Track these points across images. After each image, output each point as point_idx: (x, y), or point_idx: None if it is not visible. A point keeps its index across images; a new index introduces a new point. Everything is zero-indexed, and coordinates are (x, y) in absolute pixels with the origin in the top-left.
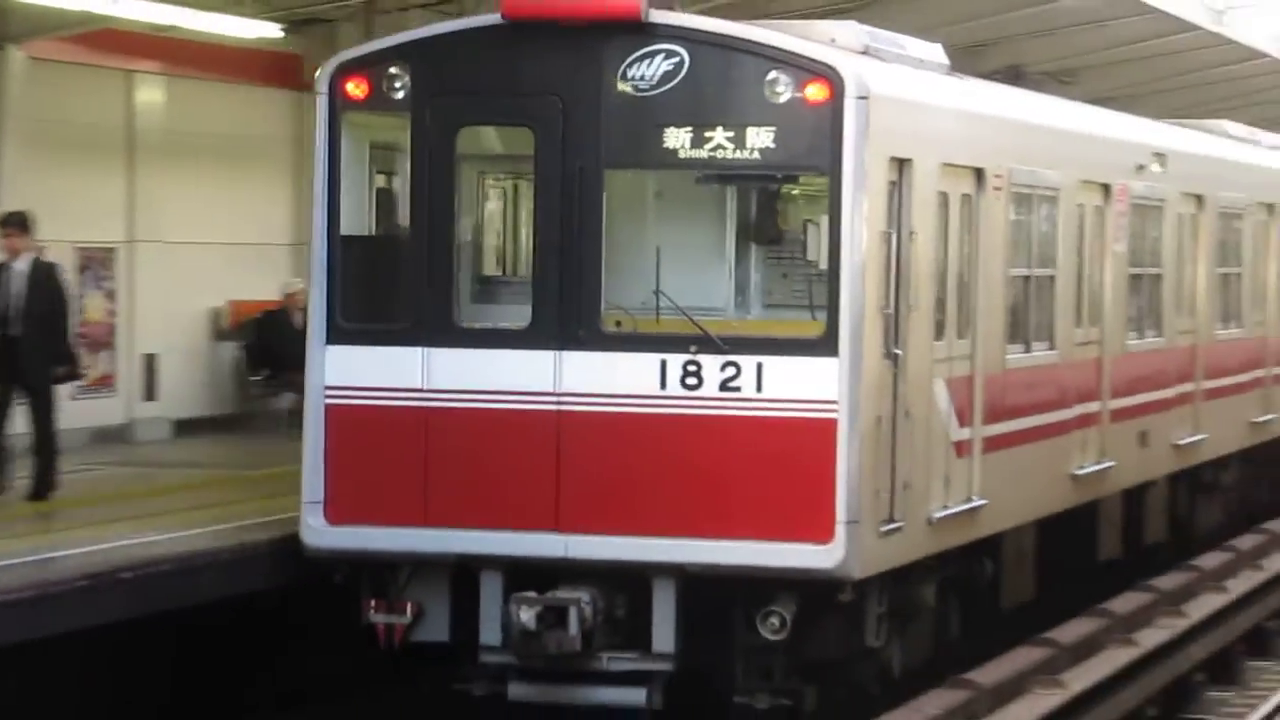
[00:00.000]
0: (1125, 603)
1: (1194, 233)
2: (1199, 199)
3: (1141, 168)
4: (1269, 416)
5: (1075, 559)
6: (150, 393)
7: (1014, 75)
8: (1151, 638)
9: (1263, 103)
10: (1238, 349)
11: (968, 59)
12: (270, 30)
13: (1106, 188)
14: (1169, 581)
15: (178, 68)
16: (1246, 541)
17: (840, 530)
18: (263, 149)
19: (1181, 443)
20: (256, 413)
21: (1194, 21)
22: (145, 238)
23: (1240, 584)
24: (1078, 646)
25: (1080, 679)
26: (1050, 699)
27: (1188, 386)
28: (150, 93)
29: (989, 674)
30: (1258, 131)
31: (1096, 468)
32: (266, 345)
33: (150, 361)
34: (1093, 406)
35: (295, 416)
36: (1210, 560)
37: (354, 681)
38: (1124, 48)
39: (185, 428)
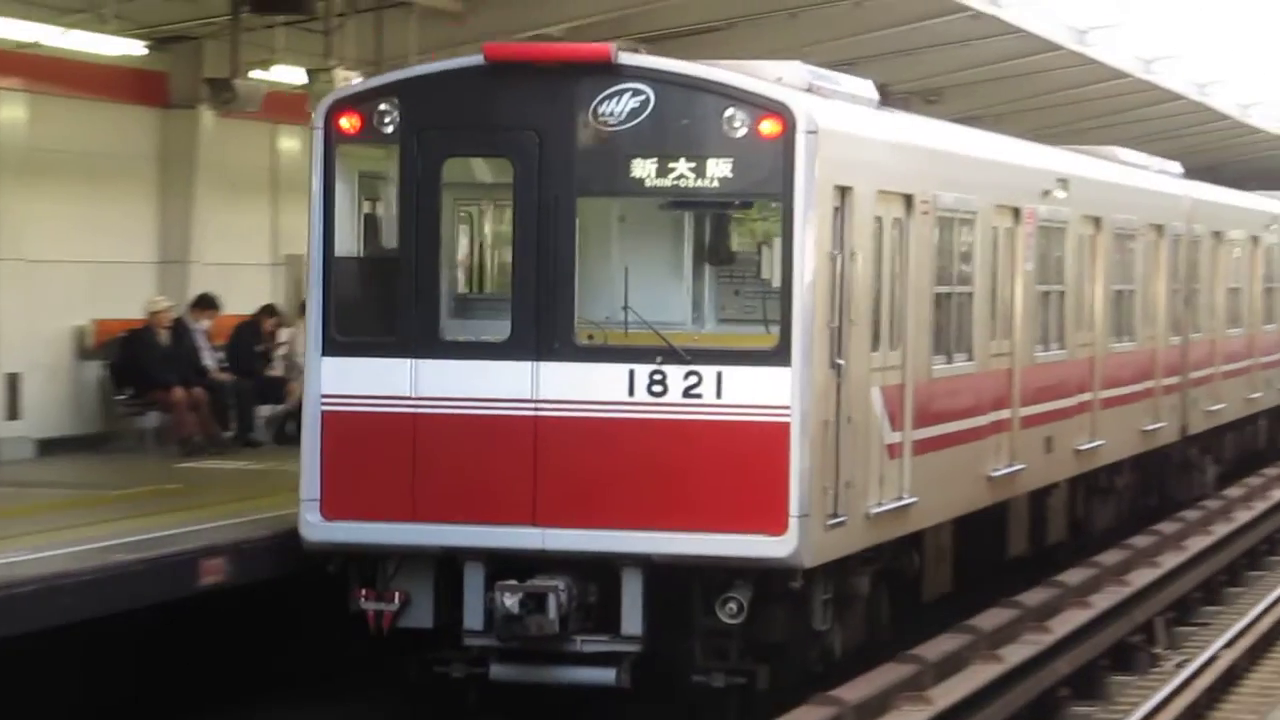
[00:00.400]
0: (991, 619)
1: (1092, 253)
2: (1096, 221)
3: (1047, 193)
4: (1158, 425)
5: (988, 555)
6: (13, 412)
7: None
8: (1017, 653)
9: (1127, 122)
10: (1130, 361)
11: None
12: (135, 48)
13: (1017, 211)
14: (1034, 597)
15: (40, 84)
16: (1109, 558)
17: (793, 523)
18: (127, 167)
19: (1081, 448)
20: (121, 432)
21: (1057, 41)
22: (7, 256)
23: (1104, 599)
24: (943, 663)
25: (946, 695)
26: (916, 715)
27: (1087, 396)
28: (12, 110)
29: (855, 690)
30: (1146, 156)
31: (1008, 470)
32: (131, 364)
33: (13, 381)
34: (1005, 414)
35: (163, 434)
36: (1074, 576)
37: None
38: (988, 67)
39: (49, 447)
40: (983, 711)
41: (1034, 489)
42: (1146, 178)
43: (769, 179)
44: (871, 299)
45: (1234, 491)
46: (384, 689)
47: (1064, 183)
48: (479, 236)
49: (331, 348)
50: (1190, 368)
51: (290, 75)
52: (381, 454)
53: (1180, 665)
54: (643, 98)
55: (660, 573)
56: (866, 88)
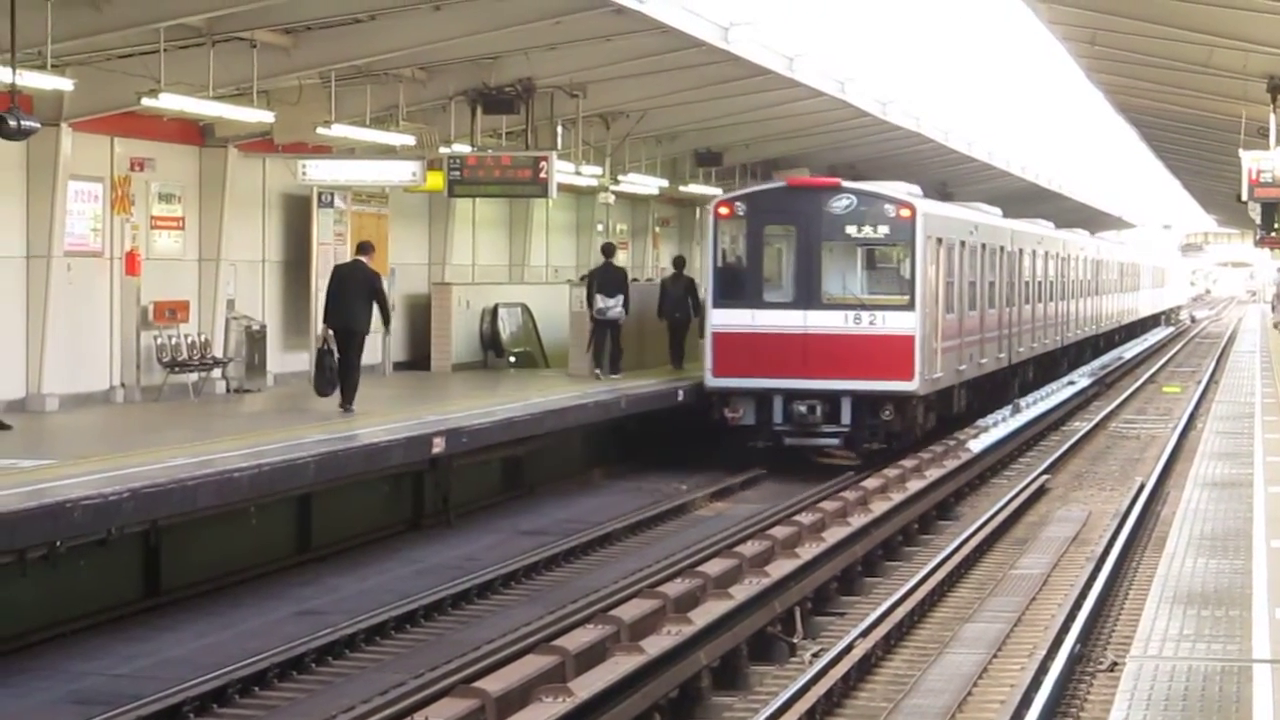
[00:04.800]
0: (632, 609)
1: (985, 261)
2: (999, 248)
3: (979, 230)
4: (1000, 355)
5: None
6: None
7: (527, 88)
8: (658, 644)
9: (775, 118)
10: (992, 320)
11: (476, 71)
12: None
13: (1001, 246)
14: (675, 588)
15: None
16: (750, 548)
17: (915, 377)
18: None
19: (981, 362)
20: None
21: (700, 37)
22: None
23: (744, 590)
24: (584, 654)
25: (587, 686)
26: (557, 707)
27: (977, 337)
28: None
29: (496, 682)
30: (986, 211)
31: (963, 367)
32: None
33: None
34: (971, 339)
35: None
36: (715, 567)
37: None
38: (632, 62)
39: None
40: (624, 702)
41: (967, 381)
42: (999, 220)
43: (905, 234)
44: (943, 285)
45: (890, 472)
46: (739, 453)
47: (988, 229)
48: (777, 258)
49: (717, 304)
50: (1011, 325)
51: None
52: (738, 349)
53: (817, 655)
54: (851, 199)
55: (857, 397)
56: (915, 190)
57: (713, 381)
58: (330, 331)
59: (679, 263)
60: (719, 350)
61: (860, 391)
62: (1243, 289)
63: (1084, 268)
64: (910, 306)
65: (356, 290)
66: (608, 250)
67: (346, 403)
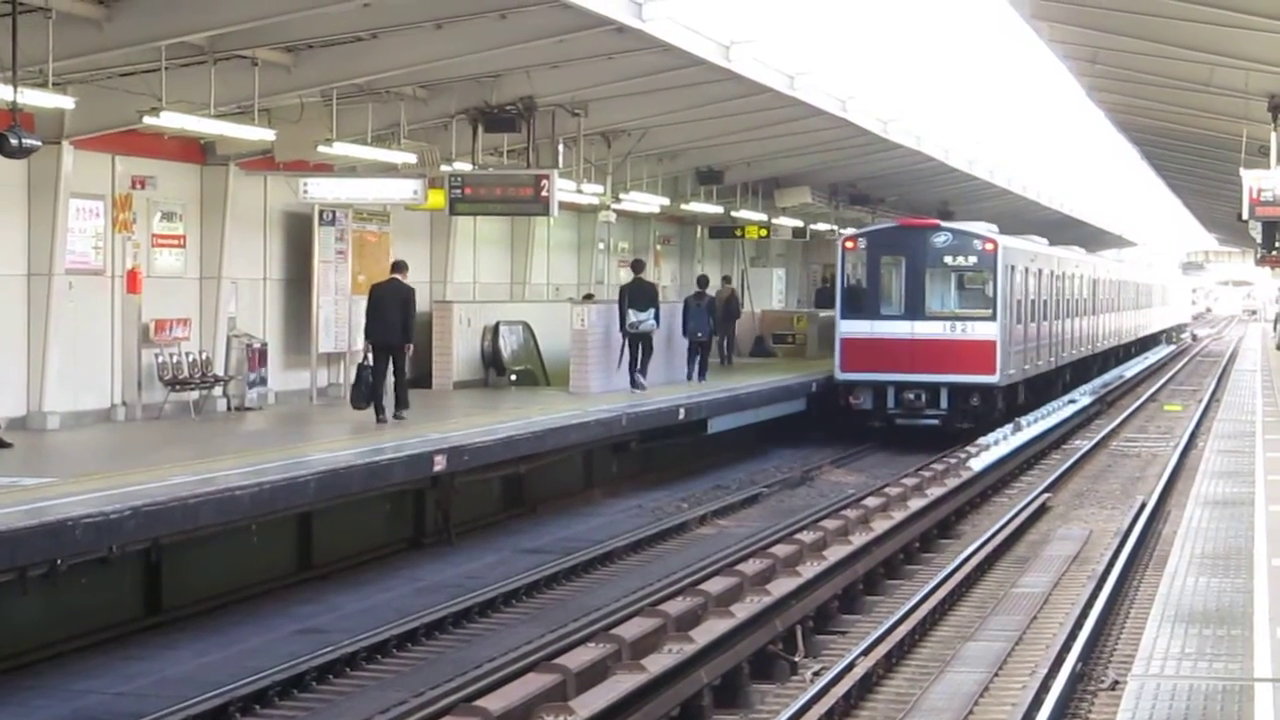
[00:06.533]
0: (633, 627)
1: (1052, 283)
2: (1056, 271)
3: (1048, 259)
4: (1051, 357)
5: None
6: None
7: (529, 107)
8: (659, 663)
9: (777, 135)
10: (1049, 329)
11: (478, 89)
12: None
13: (1050, 270)
14: (676, 606)
15: None
16: (751, 566)
17: (996, 372)
18: None
19: (1038, 363)
20: None
21: (701, 56)
22: None
23: (745, 609)
24: (585, 672)
25: (588, 705)
26: None
27: (1052, 342)
28: None
29: (498, 701)
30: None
31: (1028, 366)
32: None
33: None
34: (1035, 344)
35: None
36: (717, 585)
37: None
38: (633, 80)
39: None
40: None
41: (1028, 378)
42: (1048, 249)
43: (989, 263)
44: (1014, 302)
45: (872, 501)
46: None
47: (1043, 257)
48: (891, 281)
49: (844, 316)
50: (1056, 335)
51: None
52: (860, 351)
53: (818, 673)
54: (948, 235)
55: (952, 388)
56: (993, 228)
57: (841, 375)
58: (370, 347)
59: (702, 282)
60: (846, 352)
61: (954, 383)
62: (1241, 308)
63: (1110, 288)
64: (993, 318)
65: (393, 306)
66: (638, 266)
67: (398, 411)
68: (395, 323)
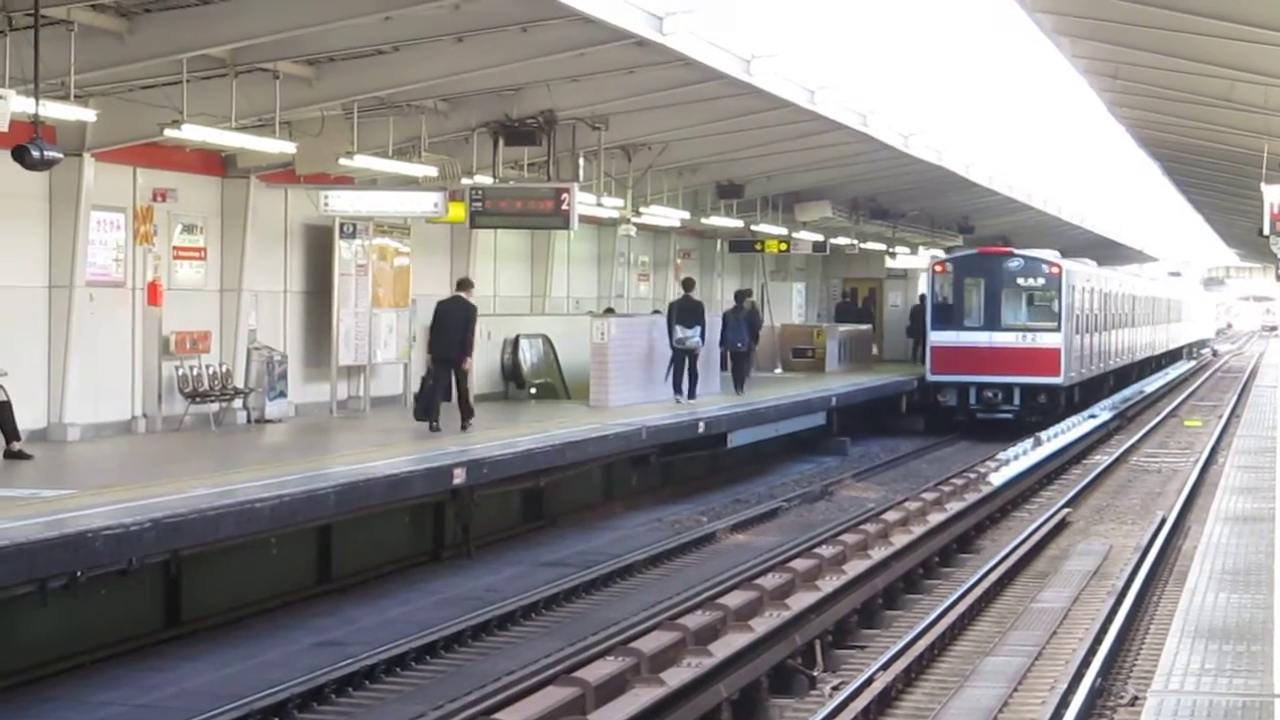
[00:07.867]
0: (652, 641)
1: (1111, 301)
2: (1107, 291)
3: (1103, 281)
4: (1109, 359)
5: (1084, 397)
6: None
7: (549, 120)
8: (678, 676)
9: (798, 149)
10: (1120, 336)
11: (498, 103)
12: None
13: (1100, 289)
14: (696, 620)
15: None
16: (770, 581)
17: (1061, 373)
18: None
19: (1095, 365)
20: None
21: (722, 70)
22: None
23: (764, 623)
24: (604, 686)
25: (607, 718)
26: None
27: (1113, 348)
28: None
29: (517, 714)
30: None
31: (1089, 368)
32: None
33: None
34: (1091, 351)
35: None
36: (736, 599)
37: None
38: (654, 94)
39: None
40: None
41: (1083, 380)
42: (1098, 270)
43: (1055, 284)
44: (1075, 316)
45: (892, 515)
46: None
47: (1097, 277)
48: (972, 298)
49: (934, 328)
50: (1104, 345)
51: None
52: (947, 357)
53: (837, 688)
54: (1021, 260)
55: (1024, 387)
56: (1056, 254)
57: (931, 377)
58: (433, 361)
59: (740, 296)
60: (935, 358)
61: (1025, 384)
62: (1261, 324)
63: (1145, 304)
64: (1057, 329)
65: (455, 322)
66: (688, 284)
67: (464, 421)
68: (456, 338)
